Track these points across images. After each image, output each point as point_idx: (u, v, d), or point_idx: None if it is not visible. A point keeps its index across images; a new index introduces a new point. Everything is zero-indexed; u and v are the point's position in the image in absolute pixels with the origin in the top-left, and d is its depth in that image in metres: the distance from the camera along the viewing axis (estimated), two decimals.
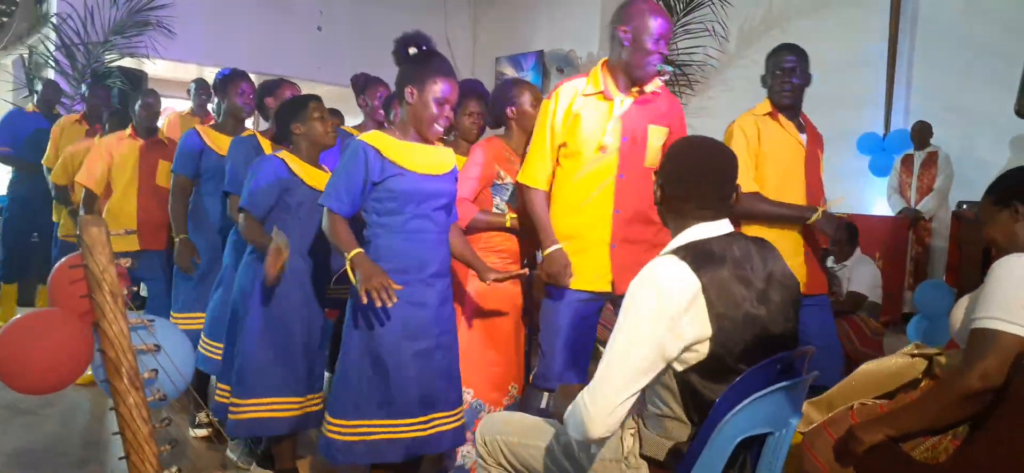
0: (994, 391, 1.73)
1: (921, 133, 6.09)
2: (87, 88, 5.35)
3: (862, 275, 4.63)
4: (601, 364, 1.53)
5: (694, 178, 1.63)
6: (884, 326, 4.96)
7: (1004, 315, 1.72)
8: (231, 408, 2.60)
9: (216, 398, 2.73)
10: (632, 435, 1.66)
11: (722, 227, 1.63)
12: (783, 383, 1.54)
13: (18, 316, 2.01)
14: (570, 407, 1.57)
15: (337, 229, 2.24)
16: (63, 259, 2.05)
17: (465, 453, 2.73)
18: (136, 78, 6.79)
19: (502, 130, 2.93)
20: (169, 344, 2.09)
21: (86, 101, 5.25)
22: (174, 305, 3.49)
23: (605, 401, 1.49)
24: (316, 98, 2.79)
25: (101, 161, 3.99)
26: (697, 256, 1.53)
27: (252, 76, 8.80)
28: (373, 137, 2.29)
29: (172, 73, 9.34)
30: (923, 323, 4.86)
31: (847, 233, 4.71)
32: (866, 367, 2.30)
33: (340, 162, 2.32)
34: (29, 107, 5.67)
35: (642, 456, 1.62)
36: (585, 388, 1.54)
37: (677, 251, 1.56)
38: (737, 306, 1.52)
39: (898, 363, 2.35)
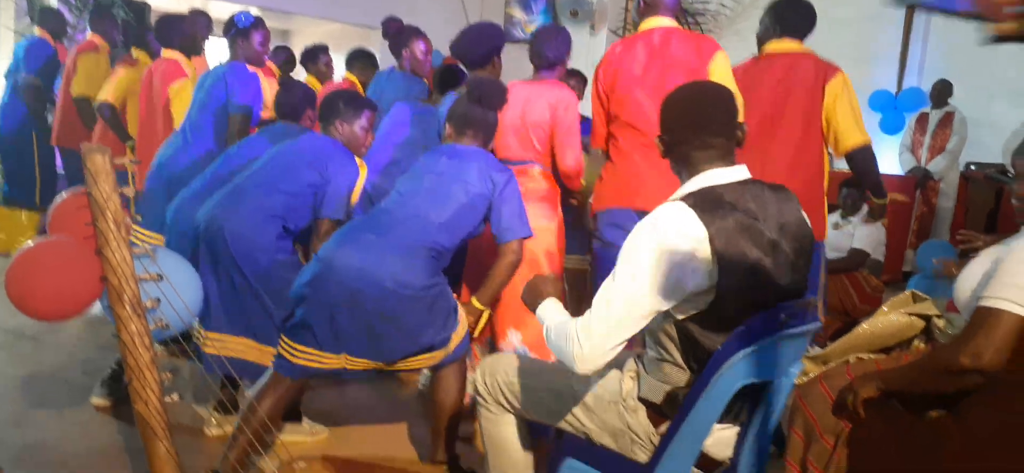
0: (987, 374, 1.60)
1: (941, 92, 6.00)
2: (91, 21, 5.28)
3: (867, 232, 4.61)
4: (596, 303, 1.51)
5: (693, 118, 1.58)
6: (884, 284, 4.96)
7: (1013, 296, 1.55)
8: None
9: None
10: (632, 378, 1.67)
11: (737, 173, 1.59)
12: (786, 332, 1.54)
13: (31, 242, 2.01)
14: (560, 336, 1.55)
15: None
16: (67, 191, 2.04)
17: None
18: (139, 9, 6.65)
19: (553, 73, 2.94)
20: (175, 277, 2.09)
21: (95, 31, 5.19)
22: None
23: (597, 342, 1.48)
24: (374, 107, 2.77)
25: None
26: (705, 203, 1.49)
27: (256, 10, 8.63)
28: None
29: (175, 5, 9.21)
30: (924, 282, 4.85)
31: (857, 190, 4.67)
32: (863, 326, 2.30)
33: (516, 197, 2.43)
34: (37, 31, 5.57)
35: (640, 399, 1.63)
36: (578, 321, 1.52)
37: (686, 198, 1.52)
38: (744, 257, 1.48)
39: (896, 321, 2.35)
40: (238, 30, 3.44)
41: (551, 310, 1.66)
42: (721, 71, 2.59)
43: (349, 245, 2.26)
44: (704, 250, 1.46)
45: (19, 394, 3.01)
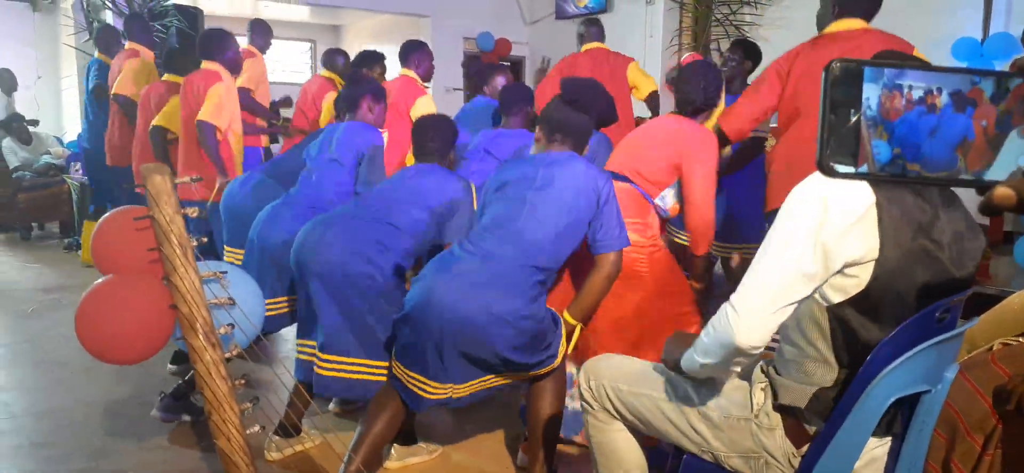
0: None
1: None
2: (126, 28, 5.30)
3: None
4: (753, 264, 1.33)
5: None
6: (988, 246, 4.61)
7: None
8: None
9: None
10: (763, 389, 1.46)
11: None
12: (943, 336, 1.32)
13: (99, 282, 1.92)
14: (712, 325, 1.38)
15: None
16: (112, 210, 1.95)
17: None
18: (192, 16, 6.69)
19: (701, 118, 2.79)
20: (241, 295, 1.98)
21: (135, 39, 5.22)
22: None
23: (756, 304, 1.29)
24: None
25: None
26: None
27: (308, 7, 8.64)
28: None
29: (228, 9, 9.26)
30: None
31: None
32: (1011, 301, 2.03)
33: (615, 203, 2.27)
34: (97, 54, 5.65)
35: (776, 408, 1.43)
36: (731, 296, 1.34)
37: None
38: (911, 234, 1.29)
39: None
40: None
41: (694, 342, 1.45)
42: None
43: (447, 277, 2.14)
44: (869, 216, 1.26)
45: (100, 422, 2.98)
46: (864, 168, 0.56)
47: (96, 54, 5.65)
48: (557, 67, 4.45)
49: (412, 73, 4.25)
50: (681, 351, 1.47)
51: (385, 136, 3.14)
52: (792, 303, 1.30)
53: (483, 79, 3.48)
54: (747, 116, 2.86)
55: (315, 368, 2.47)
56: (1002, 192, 0.53)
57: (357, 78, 3.53)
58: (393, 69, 4.49)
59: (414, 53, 4.27)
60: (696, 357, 1.41)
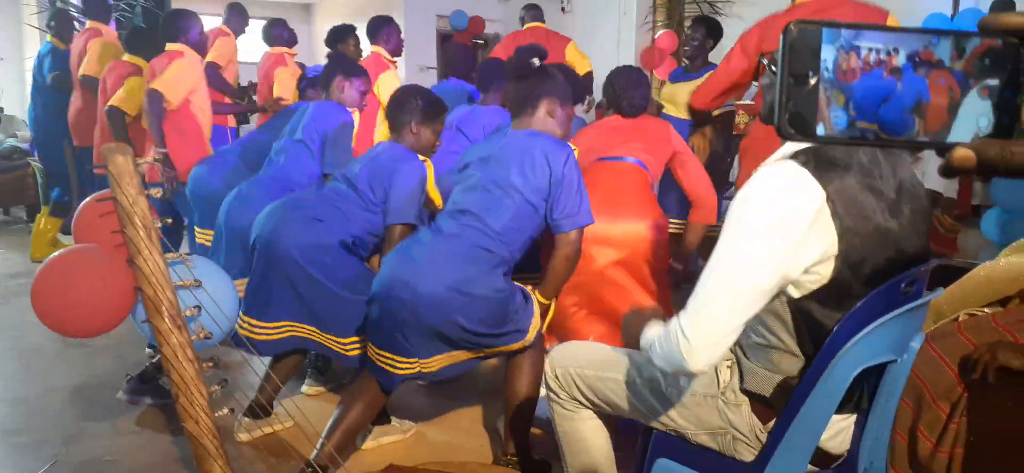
0: None
1: (1002, 11, 5.59)
2: (85, 7, 5.18)
3: (935, 169, 4.31)
4: (702, 284, 1.26)
5: None
6: (956, 219, 4.67)
7: None
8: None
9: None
10: (729, 367, 1.46)
11: None
12: (908, 305, 1.33)
13: (56, 254, 1.88)
14: (658, 336, 1.34)
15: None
16: (90, 196, 1.91)
17: None
18: None
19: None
20: (210, 283, 1.95)
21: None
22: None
23: (709, 330, 1.23)
24: (446, 110, 2.62)
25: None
26: (820, 162, 1.25)
27: None
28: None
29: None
30: (1003, 216, 4.54)
31: None
32: (977, 273, 2.05)
33: (576, 178, 2.23)
34: (49, 38, 5.51)
35: (743, 391, 1.43)
36: (680, 314, 1.29)
37: (796, 156, 1.26)
38: (867, 219, 1.26)
39: (1020, 264, 2.09)
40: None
41: (653, 330, 1.40)
42: None
43: (407, 257, 2.17)
44: (823, 214, 1.23)
45: (72, 406, 2.93)
46: (822, 132, 0.55)
47: (48, 39, 5.51)
48: (501, 44, 4.71)
49: (381, 50, 4.21)
50: (637, 335, 1.44)
51: (356, 116, 3.10)
52: (747, 320, 1.25)
53: (482, 80, 3.44)
54: (713, 90, 2.96)
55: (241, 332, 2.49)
56: (962, 154, 0.53)
57: (329, 57, 3.49)
58: (366, 49, 4.44)
59: (383, 29, 4.24)
60: (652, 358, 1.37)
